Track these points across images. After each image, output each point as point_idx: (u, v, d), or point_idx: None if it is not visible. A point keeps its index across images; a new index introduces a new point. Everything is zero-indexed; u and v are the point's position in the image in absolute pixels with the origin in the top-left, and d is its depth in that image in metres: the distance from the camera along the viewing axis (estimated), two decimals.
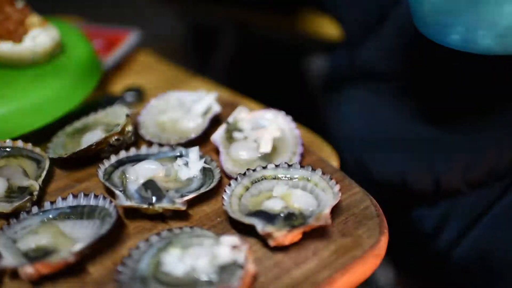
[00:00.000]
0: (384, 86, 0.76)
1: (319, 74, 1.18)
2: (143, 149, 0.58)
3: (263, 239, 0.47)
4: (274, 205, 0.49)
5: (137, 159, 0.56)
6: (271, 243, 0.46)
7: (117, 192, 0.51)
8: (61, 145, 0.59)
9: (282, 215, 0.48)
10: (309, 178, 0.52)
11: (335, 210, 0.50)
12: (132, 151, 0.57)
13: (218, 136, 0.59)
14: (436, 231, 0.70)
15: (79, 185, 0.56)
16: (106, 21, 0.92)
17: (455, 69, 0.66)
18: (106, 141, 0.57)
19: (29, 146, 0.58)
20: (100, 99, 0.71)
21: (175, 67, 0.83)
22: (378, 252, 0.47)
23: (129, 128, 0.59)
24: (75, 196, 0.51)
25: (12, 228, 0.48)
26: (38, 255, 0.46)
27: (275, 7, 1.16)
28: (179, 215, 0.51)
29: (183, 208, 0.50)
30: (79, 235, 0.48)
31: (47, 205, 0.50)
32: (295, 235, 0.46)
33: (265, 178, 0.53)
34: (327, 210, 0.47)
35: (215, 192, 0.53)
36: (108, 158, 0.56)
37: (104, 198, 0.51)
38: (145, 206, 0.50)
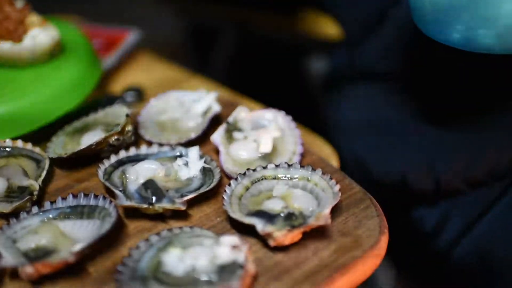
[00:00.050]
0: (384, 85, 0.76)
1: (319, 74, 1.18)
2: (143, 149, 0.58)
3: (263, 239, 0.47)
4: (274, 205, 0.49)
5: (137, 159, 0.56)
6: (271, 243, 0.46)
7: (117, 192, 0.51)
8: (61, 145, 0.59)
9: (282, 215, 0.48)
10: (309, 178, 0.52)
11: (335, 210, 0.50)
12: (132, 151, 0.57)
13: (218, 136, 0.59)
14: (436, 231, 0.70)
15: (79, 185, 0.56)
16: (106, 20, 0.92)
17: (455, 69, 0.66)
18: (106, 141, 0.57)
19: (29, 146, 0.58)
20: (100, 99, 0.71)
21: (175, 67, 0.83)
22: (378, 252, 0.47)
23: (129, 128, 0.59)
24: (75, 196, 0.51)
25: (12, 228, 0.48)
26: (38, 255, 0.46)
27: (275, 7, 1.16)
28: (179, 215, 0.51)
29: (183, 208, 0.50)
30: (79, 235, 0.48)
31: (47, 205, 0.50)
32: (295, 235, 0.46)
33: (265, 178, 0.53)
34: (327, 210, 0.47)
35: (215, 192, 0.53)
36: (108, 158, 0.56)
37: (104, 198, 0.50)
38: (145, 206, 0.50)
